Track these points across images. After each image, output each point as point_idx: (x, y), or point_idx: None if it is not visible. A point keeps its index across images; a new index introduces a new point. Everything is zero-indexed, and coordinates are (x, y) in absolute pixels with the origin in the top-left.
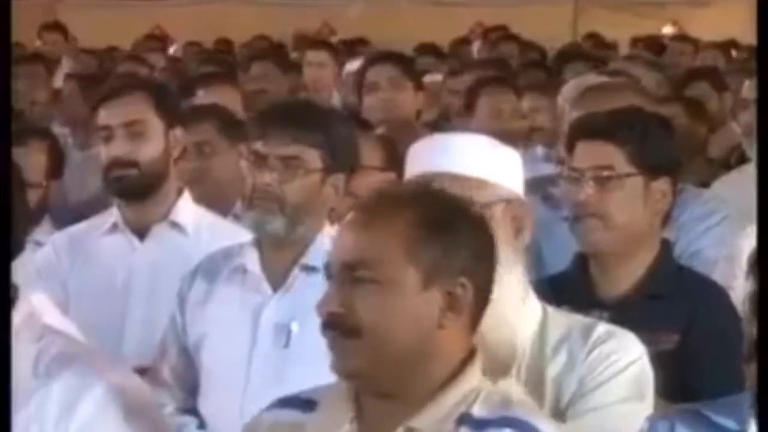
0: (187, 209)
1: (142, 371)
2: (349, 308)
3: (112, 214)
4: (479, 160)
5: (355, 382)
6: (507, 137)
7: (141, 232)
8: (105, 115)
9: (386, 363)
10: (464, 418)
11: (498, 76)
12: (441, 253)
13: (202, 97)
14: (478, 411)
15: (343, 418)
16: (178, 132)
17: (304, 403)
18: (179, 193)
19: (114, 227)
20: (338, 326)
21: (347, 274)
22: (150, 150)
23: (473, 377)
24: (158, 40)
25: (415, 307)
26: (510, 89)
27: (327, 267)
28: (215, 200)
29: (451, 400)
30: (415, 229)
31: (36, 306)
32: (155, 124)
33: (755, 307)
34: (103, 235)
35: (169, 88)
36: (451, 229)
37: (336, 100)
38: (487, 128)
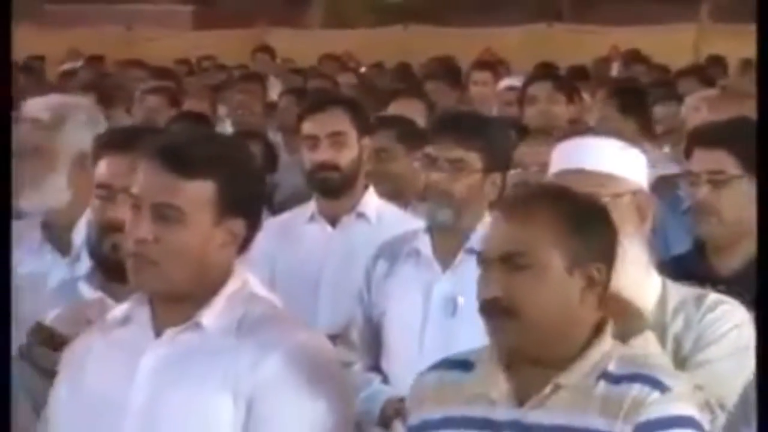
0: (371, 202)
1: (333, 337)
2: (509, 293)
3: (311, 206)
4: (611, 159)
5: (511, 351)
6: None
7: (333, 221)
8: (310, 126)
9: (539, 336)
10: (603, 375)
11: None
12: (582, 243)
13: (391, 109)
14: (613, 368)
15: (498, 378)
16: (367, 140)
17: (462, 363)
18: (366, 188)
19: (312, 217)
20: (499, 309)
21: (506, 262)
22: (348, 155)
23: (607, 341)
24: (343, 60)
25: (563, 288)
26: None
27: (483, 257)
28: (395, 196)
29: (591, 360)
30: (561, 223)
31: (249, 280)
32: (351, 134)
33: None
34: (304, 223)
35: (361, 102)
36: (588, 223)
37: (495, 111)
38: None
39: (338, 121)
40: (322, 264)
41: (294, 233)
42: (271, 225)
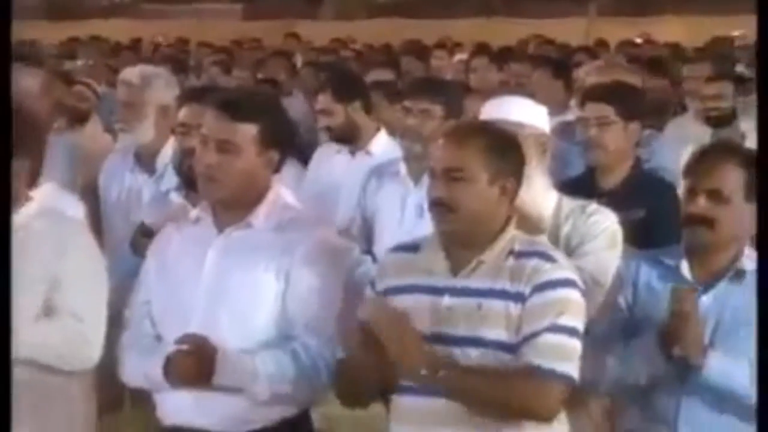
0: (380, 141)
1: (342, 231)
2: (449, 195)
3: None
4: (523, 112)
5: (448, 236)
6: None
7: (353, 153)
8: (319, 101)
9: (468, 226)
10: (511, 252)
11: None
12: (501, 164)
13: (375, 76)
14: (518, 247)
15: (439, 257)
16: (357, 104)
17: (412, 247)
18: (377, 130)
19: (339, 150)
20: (442, 205)
21: (447, 174)
22: (336, 121)
23: (512, 230)
24: (346, 42)
25: (485, 194)
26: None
27: (431, 169)
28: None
29: (502, 243)
30: (487, 150)
31: (282, 192)
32: (337, 107)
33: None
34: (334, 154)
35: (343, 77)
36: (506, 150)
37: (450, 77)
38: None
39: (326, 100)
40: (342, 183)
41: (326, 162)
42: (315, 155)
